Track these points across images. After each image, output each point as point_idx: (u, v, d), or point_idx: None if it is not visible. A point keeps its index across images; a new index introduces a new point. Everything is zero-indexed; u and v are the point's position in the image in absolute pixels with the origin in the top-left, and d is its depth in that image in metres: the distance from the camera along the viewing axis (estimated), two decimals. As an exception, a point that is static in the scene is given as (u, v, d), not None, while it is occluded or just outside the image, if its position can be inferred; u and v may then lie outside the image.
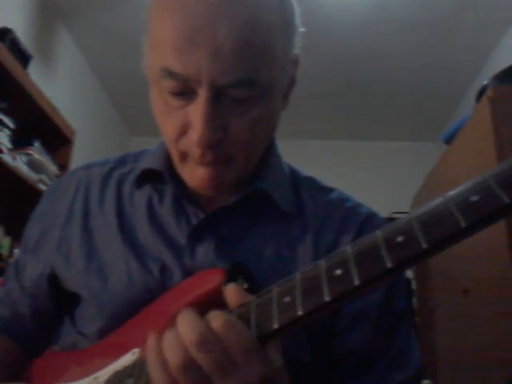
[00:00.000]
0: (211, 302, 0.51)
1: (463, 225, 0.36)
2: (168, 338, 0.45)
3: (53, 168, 2.58)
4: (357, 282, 0.40)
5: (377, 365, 0.62)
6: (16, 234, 2.22)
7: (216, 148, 0.57)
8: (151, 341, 0.46)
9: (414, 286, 3.34)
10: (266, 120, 0.60)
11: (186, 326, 0.44)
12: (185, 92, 0.55)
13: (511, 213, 0.36)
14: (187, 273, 0.62)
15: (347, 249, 0.43)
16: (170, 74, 0.54)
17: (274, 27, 0.57)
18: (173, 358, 0.43)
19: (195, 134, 0.55)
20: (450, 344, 2.46)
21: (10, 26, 2.27)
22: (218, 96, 0.54)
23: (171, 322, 0.46)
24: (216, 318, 0.44)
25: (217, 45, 0.52)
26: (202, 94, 0.54)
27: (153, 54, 0.58)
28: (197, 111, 0.54)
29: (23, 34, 2.54)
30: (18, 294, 0.74)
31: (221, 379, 0.42)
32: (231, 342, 0.43)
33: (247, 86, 0.55)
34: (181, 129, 0.57)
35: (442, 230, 0.37)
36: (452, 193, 0.39)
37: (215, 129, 0.55)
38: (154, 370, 0.45)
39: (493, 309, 1.91)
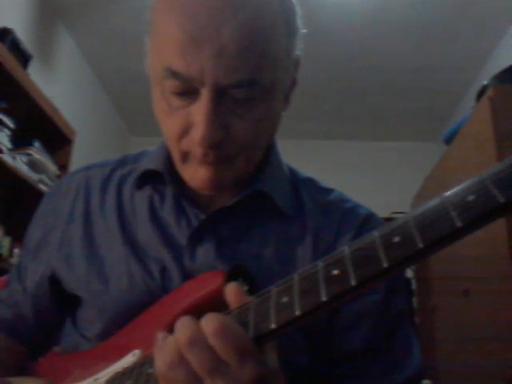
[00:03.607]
0: (211, 304, 0.51)
1: (459, 224, 0.36)
2: (168, 338, 0.46)
3: (53, 168, 2.58)
4: (353, 282, 0.40)
5: (377, 365, 0.61)
6: (16, 234, 2.22)
7: (218, 148, 0.57)
8: (158, 337, 0.47)
9: (413, 286, 3.34)
10: (267, 120, 0.60)
11: (180, 326, 0.45)
12: (187, 92, 0.56)
13: (507, 212, 0.36)
14: (186, 275, 0.62)
15: (345, 249, 0.43)
16: (173, 74, 0.55)
17: (276, 28, 0.57)
18: (166, 355, 0.44)
19: (198, 133, 0.55)
20: (450, 344, 2.46)
21: (9, 26, 2.27)
22: (220, 96, 0.55)
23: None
24: (208, 321, 0.44)
25: (220, 45, 0.52)
26: (205, 94, 0.54)
27: (156, 55, 0.58)
28: (199, 111, 0.55)
29: (23, 34, 2.54)
30: (21, 295, 0.74)
31: (210, 379, 0.43)
32: (221, 344, 0.43)
33: (250, 87, 0.55)
34: (183, 128, 0.57)
35: (438, 230, 0.37)
36: (448, 193, 0.39)
37: (217, 128, 0.55)
38: (156, 363, 0.46)
39: (493, 309, 1.91)
